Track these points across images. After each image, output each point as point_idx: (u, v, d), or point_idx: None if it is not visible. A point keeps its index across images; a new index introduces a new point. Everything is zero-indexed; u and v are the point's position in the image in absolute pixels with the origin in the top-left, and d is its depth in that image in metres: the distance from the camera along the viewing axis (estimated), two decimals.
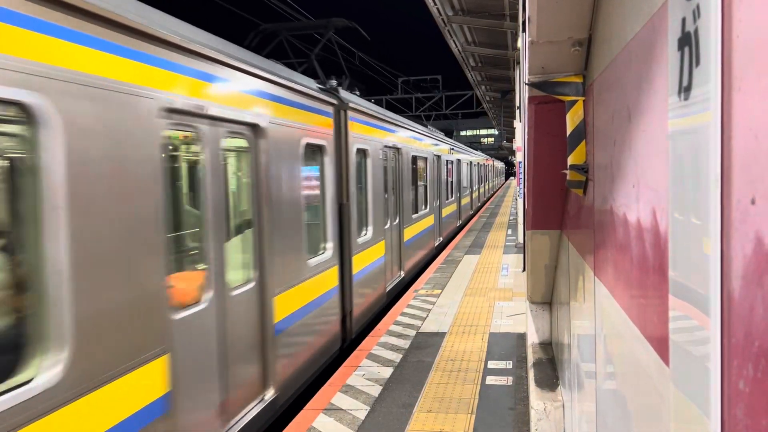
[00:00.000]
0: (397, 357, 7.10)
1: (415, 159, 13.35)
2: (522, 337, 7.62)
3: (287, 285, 5.98)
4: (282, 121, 5.95)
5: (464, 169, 25.08)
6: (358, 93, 10.15)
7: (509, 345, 7.39)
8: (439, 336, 7.90)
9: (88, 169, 3.25)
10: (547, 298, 5.85)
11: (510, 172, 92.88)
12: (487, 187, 42.66)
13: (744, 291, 0.94)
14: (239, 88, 5.11)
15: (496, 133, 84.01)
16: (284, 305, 5.90)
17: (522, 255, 11.06)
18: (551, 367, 5.38)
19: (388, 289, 10.36)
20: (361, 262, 8.66)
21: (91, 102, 3.30)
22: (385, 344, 7.62)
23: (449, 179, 19.77)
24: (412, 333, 8.09)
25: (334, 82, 8.17)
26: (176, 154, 4.53)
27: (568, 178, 3.44)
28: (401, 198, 11.84)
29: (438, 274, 12.41)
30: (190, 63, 4.34)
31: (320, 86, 7.60)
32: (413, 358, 7.06)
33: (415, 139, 13.47)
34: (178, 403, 4.08)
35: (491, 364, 6.70)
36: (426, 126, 19.00)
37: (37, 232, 2.97)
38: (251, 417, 5.11)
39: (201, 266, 4.63)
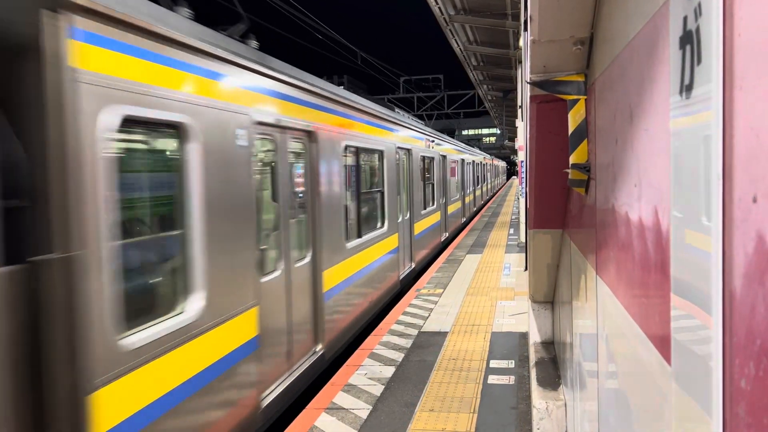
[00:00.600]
0: (399, 356, 7.10)
1: (423, 159, 14.39)
2: (524, 337, 7.61)
3: (332, 262, 7.30)
4: (328, 128, 7.28)
5: (468, 168, 25.53)
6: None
7: (511, 344, 7.39)
8: (441, 335, 7.90)
9: (213, 167, 4.44)
10: (549, 297, 5.85)
11: (512, 171, 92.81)
12: (487, 187, 41.15)
13: (746, 289, 0.94)
14: (300, 102, 6.40)
15: (498, 132, 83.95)
16: (330, 279, 7.20)
17: (524, 254, 11.06)
18: (553, 366, 5.38)
19: (401, 277, 11.48)
20: (380, 250, 9.87)
21: (214, 119, 4.50)
22: (387, 343, 7.62)
23: (454, 178, 20.68)
24: (414, 332, 8.09)
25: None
26: (260, 157, 5.57)
27: (569, 177, 3.44)
28: (411, 195, 12.87)
29: (440, 273, 12.41)
30: (269, 85, 5.57)
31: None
32: (415, 357, 7.06)
33: (423, 141, 14.55)
34: (264, 343, 5.33)
35: (493, 364, 6.70)
36: (427, 126, 19.30)
37: (186, 213, 4.19)
38: (306, 366, 6.34)
39: (276, 244, 5.88)
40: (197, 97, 4.28)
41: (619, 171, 2.29)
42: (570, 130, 3.35)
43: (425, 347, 7.42)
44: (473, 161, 28.81)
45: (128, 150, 3.85)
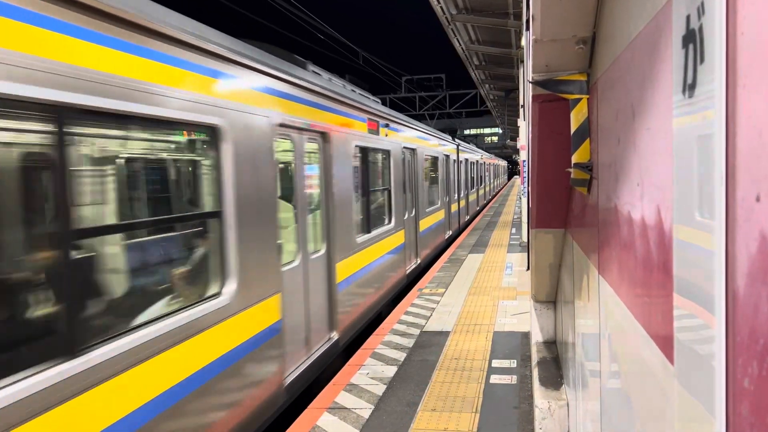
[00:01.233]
0: (401, 356, 7.10)
1: (427, 158, 14.84)
2: (526, 336, 7.61)
3: (344, 255, 7.76)
4: (341, 129, 7.75)
5: (471, 167, 25.51)
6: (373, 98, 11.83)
7: (513, 344, 7.39)
8: (443, 335, 7.90)
9: (242, 165, 4.92)
10: (552, 296, 5.84)
11: (514, 171, 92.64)
12: (489, 187, 40.35)
13: (749, 289, 0.94)
14: (315, 105, 6.83)
15: (500, 131, 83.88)
16: (342, 270, 7.66)
17: (526, 254, 11.05)
18: (555, 366, 5.37)
19: (408, 272, 11.94)
20: (388, 245, 10.36)
21: (243, 122, 4.98)
22: (389, 343, 7.62)
23: (457, 177, 20.88)
24: (416, 332, 8.09)
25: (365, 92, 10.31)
26: (280, 156, 5.96)
27: (572, 176, 3.44)
28: (417, 193, 13.27)
29: (442, 272, 12.40)
30: (288, 89, 6.02)
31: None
32: (417, 356, 7.06)
33: (428, 140, 14.97)
34: (285, 327, 5.80)
35: (495, 363, 6.70)
36: (429, 125, 19.46)
37: (219, 206, 4.67)
38: (322, 351, 6.80)
39: (294, 237, 6.34)
40: (228, 102, 4.76)
41: (621, 170, 2.28)
42: (572, 130, 3.34)
43: (427, 347, 7.42)
44: (476, 160, 28.61)
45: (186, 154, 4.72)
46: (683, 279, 1.33)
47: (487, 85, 25.62)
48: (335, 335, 7.31)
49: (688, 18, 1.25)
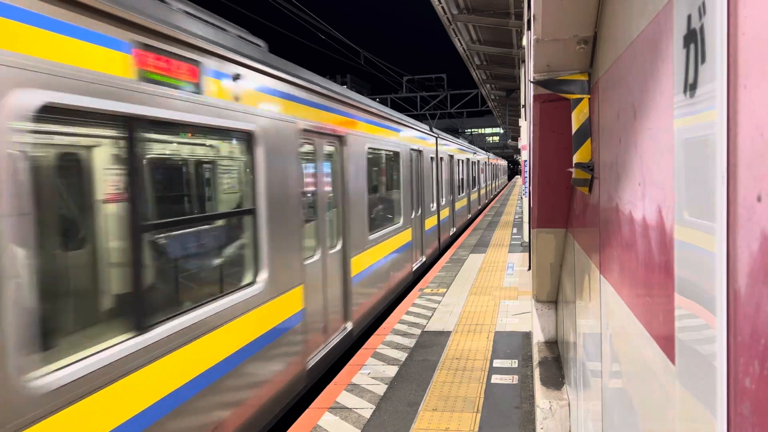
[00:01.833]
0: (402, 356, 7.10)
1: (432, 159, 15.24)
2: (527, 336, 7.61)
3: (358, 251, 8.30)
4: (355, 132, 8.27)
5: (459, 167, 25.27)
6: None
7: (515, 344, 7.38)
8: (445, 335, 7.90)
9: (272, 167, 5.46)
10: (553, 296, 5.84)
11: (515, 170, 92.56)
12: (490, 187, 39.42)
13: (750, 289, 0.94)
14: (334, 111, 7.37)
15: (502, 131, 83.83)
16: (356, 265, 8.20)
17: (527, 253, 11.04)
18: (557, 366, 5.37)
19: (414, 268, 12.40)
20: (397, 243, 10.88)
21: (273, 128, 5.53)
22: (390, 343, 7.62)
23: (460, 177, 21.12)
24: (418, 332, 8.09)
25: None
26: (303, 159, 6.47)
27: (573, 176, 3.43)
28: (422, 193, 13.69)
29: (443, 272, 12.40)
30: (312, 98, 6.60)
31: (430, 128, 11.25)
32: (418, 356, 7.06)
33: (432, 141, 15.30)
34: (307, 316, 6.32)
35: (497, 363, 6.70)
36: (431, 126, 19.22)
37: (254, 205, 5.22)
38: (338, 340, 7.30)
39: (314, 233, 6.86)
40: (261, 110, 5.32)
41: (622, 170, 2.28)
42: (573, 129, 3.34)
43: (428, 347, 7.42)
44: (478, 160, 28.28)
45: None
46: (684, 279, 1.33)
47: (488, 85, 25.61)
48: (349, 325, 7.82)
49: (689, 18, 1.25)
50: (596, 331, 3.03)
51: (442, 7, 12.79)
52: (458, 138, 27.79)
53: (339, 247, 7.67)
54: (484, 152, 36.75)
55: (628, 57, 2.18)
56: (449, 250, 15.59)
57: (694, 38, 1.22)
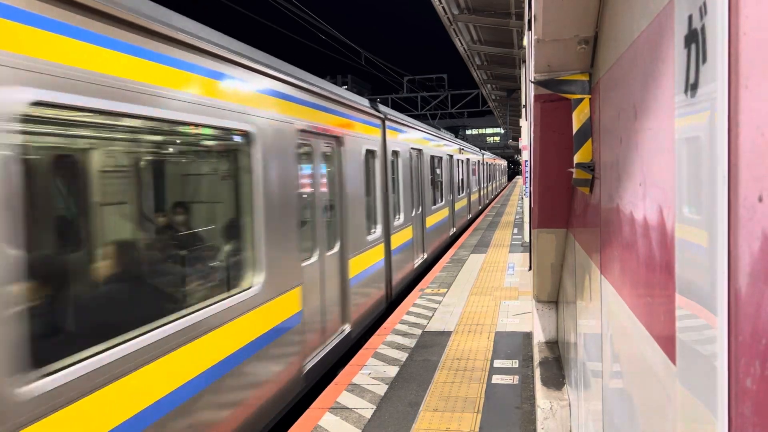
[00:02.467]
0: (403, 356, 7.10)
1: (432, 158, 15.14)
2: (528, 336, 7.60)
3: (356, 252, 8.26)
4: (352, 133, 8.24)
5: (474, 168, 25.14)
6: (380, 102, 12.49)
7: (515, 344, 7.38)
8: (445, 335, 7.90)
9: (269, 167, 5.45)
10: (554, 296, 5.84)
11: (516, 171, 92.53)
12: (491, 187, 37.80)
13: (751, 289, 0.94)
14: (331, 112, 7.37)
15: (502, 131, 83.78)
16: (355, 266, 8.15)
17: (528, 254, 11.04)
18: (557, 366, 5.37)
19: (416, 265, 12.44)
20: (397, 241, 10.85)
21: (271, 129, 5.51)
22: (391, 343, 7.62)
23: (460, 177, 20.95)
24: (418, 332, 8.09)
25: (376, 99, 10.86)
26: (301, 159, 6.42)
27: (574, 176, 3.43)
28: (423, 191, 13.62)
29: (444, 273, 12.40)
30: (308, 98, 6.59)
31: (371, 104, 9.88)
32: (419, 356, 7.06)
33: (432, 141, 15.22)
34: (305, 318, 6.29)
35: (497, 363, 6.70)
36: (438, 127, 19.01)
37: (251, 206, 5.18)
38: (335, 342, 7.25)
39: (312, 234, 6.81)
40: (259, 110, 5.30)
41: (623, 170, 2.28)
42: (574, 129, 3.34)
43: (429, 347, 7.42)
44: (478, 160, 27.79)
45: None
46: (685, 279, 1.33)
47: (489, 85, 25.61)
48: (348, 327, 7.75)
49: (690, 18, 1.25)
50: (597, 331, 3.03)
51: (443, 8, 12.79)
52: (440, 131, 19.53)
53: (337, 248, 7.62)
54: (474, 149, 28.66)
55: (629, 57, 2.17)
56: (451, 249, 15.54)
57: (695, 38, 1.22)
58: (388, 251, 10.14)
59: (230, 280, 5.07)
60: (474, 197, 26.15)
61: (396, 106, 51.81)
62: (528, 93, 7.29)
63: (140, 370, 3.63)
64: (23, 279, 2.82)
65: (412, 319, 8.79)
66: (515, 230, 19.70)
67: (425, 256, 13.57)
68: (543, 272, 5.53)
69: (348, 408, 5.61)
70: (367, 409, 5.57)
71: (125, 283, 3.92)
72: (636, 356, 2.04)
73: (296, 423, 5.37)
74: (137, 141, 4.10)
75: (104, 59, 3.38)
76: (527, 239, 13.10)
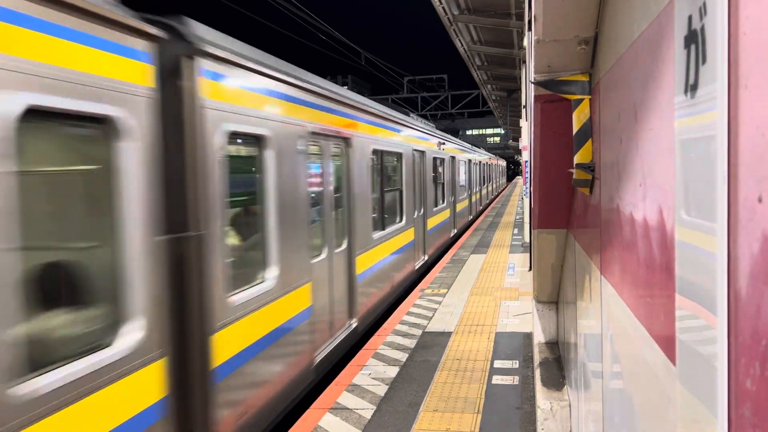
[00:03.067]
0: (403, 356, 7.10)
1: (434, 159, 15.07)
2: (528, 337, 7.60)
3: (363, 249, 8.42)
4: (359, 135, 8.33)
5: (475, 168, 24.97)
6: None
7: (515, 344, 7.38)
8: (445, 335, 7.90)
9: (281, 167, 5.57)
10: (554, 297, 5.84)
11: (516, 171, 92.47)
12: (491, 188, 36.64)
13: (751, 290, 0.94)
14: (341, 114, 7.49)
15: (503, 132, 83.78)
16: (362, 263, 8.33)
17: (528, 254, 11.04)
18: (558, 367, 5.37)
19: (417, 267, 12.47)
20: (400, 242, 10.91)
21: (283, 131, 5.63)
22: (391, 343, 7.62)
23: (462, 178, 20.74)
24: (418, 332, 8.09)
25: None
26: (311, 160, 6.57)
27: (574, 176, 3.43)
28: (425, 193, 13.62)
29: (444, 273, 12.40)
30: (318, 101, 6.66)
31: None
32: (419, 357, 7.06)
33: (434, 142, 15.19)
34: (315, 313, 6.47)
35: (497, 364, 6.69)
36: (432, 126, 18.89)
37: (264, 203, 5.37)
38: (343, 337, 7.42)
39: (321, 232, 6.95)
40: (273, 115, 5.42)
41: (623, 170, 2.28)
42: (574, 130, 3.34)
43: (429, 347, 7.41)
44: (480, 161, 27.38)
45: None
46: (685, 280, 1.33)
47: (489, 86, 25.62)
48: (354, 322, 7.94)
49: (690, 18, 1.25)
50: (597, 332, 3.03)
51: (443, 8, 12.80)
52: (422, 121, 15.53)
53: (345, 245, 7.79)
54: (462, 144, 22.54)
55: (629, 57, 2.17)
56: (451, 250, 15.54)
57: (695, 39, 1.22)
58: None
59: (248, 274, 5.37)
60: (463, 205, 20.77)
61: (396, 107, 51.74)
62: (528, 93, 7.29)
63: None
64: None
65: (412, 319, 8.79)
66: (515, 230, 19.69)
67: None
68: (543, 273, 5.53)
69: (348, 408, 5.61)
70: (367, 410, 5.57)
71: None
72: (636, 357, 2.04)
73: (296, 423, 5.37)
74: None
75: None
76: (527, 240, 13.10)
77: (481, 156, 30.31)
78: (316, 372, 6.44)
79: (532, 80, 3.66)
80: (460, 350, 7.24)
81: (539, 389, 4.99)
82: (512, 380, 6.18)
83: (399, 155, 11.20)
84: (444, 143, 16.86)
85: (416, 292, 10.70)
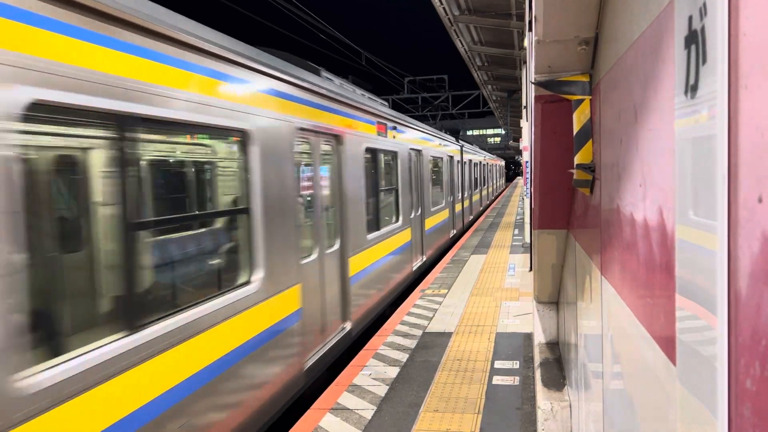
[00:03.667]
0: (403, 357, 7.10)
1: (432, 159, 14.87)
2: (529, 337, 7.60)
3: (356, 250, 8.27)
4: (353, 132, 8.18)
5: (476, 168, 24.85)
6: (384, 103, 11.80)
7: (516, 345, 7.38)
8: (446, 336, 7.90)
9: (268, 164, 5.43)
10: (554, 297, 5.83)
11: (516, 171, 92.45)
12: (489, 189, 37.96)
13: (751, 289, 0.94)
14: (331, 110, 7.30)
15: (503, 132, 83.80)
16: (355, 264, 8.17)
17: (528, 254, 11.04)
18: (558, 367, 5.37)
19: (414, 269, 12.36)
20: (396, 242, 10.75)
21: (269, 126, 5.49)
22: (391, 344, 7.62)
23: (461, 178, 20.53)
24: (419, 333, 8.09)
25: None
26: (300, 157, 6.41)
27: (574, 177, 3.43)
28: (422, 193, 13.42)
29: (444, 273, 12.40)
30: (307, 96, 6.52)
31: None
32: (420, 357, 7.06)
33: (432, 141, 15.00)
34: (305, 316, 6.31)
35: (498, 364, 6.69)
36: (440, 127, 18.80)
37: (249, 202, 5.18)
38: (336, 340, 7.27)
39: (311, 232, 6.81)
40: (257, 109, 5.26)
41: (623, 171, 2.28)
42: (575, 130, 3.34)
43: (430, 348, 7.41)
44: (480, 162, 27.27)
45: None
46: (685, 280, 1.33)
47: (489, 86, 25.61)
48: (348, 325, 7.78)
49: (690, 19, 1.25)
50: (597, 332, 3.03)
51: (444, 8, 12.81)
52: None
53: (337, 246, 7.61)
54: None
55: (629, 58, 2.17)
56: (452, 250, 15.54)
57: (695, 39, 1.22)
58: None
59: (228, 277, 5.20)
60: (491, 188, 18.22)
61: (396, 107, 51.83)
62: (529, 94, 7.29)
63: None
64: None
65: (412, 320, 8.79)
66: (516, 231, 19.69)
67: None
68: (543, 273, 5.53)
69: (348, 409, 5.61)
70: (367, 410, 5.57)
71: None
72: (636, 357, 2.04)
73: (297, 423, 5.36)
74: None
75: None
76: (528, 240, 13.10)
77: (483, 157, 30.22)
78: (307, 377, 6.28)
79: (533, 81, 3.66)
80: (460, 351, 7.24)
81: (540, 390, 4.99)
82: (513, 381, 6.18)
83: (394, 154, 11.01)
84: (441, 141, 16.62)
85: (416, 292, 10.70)
